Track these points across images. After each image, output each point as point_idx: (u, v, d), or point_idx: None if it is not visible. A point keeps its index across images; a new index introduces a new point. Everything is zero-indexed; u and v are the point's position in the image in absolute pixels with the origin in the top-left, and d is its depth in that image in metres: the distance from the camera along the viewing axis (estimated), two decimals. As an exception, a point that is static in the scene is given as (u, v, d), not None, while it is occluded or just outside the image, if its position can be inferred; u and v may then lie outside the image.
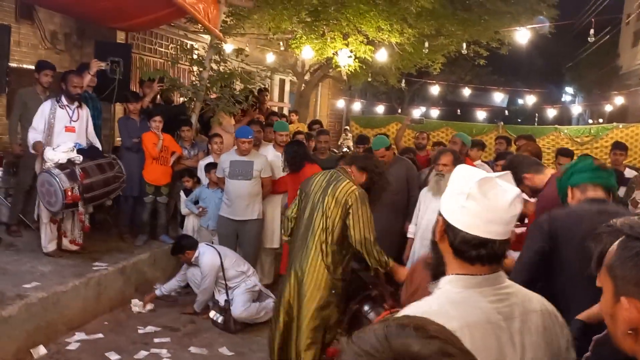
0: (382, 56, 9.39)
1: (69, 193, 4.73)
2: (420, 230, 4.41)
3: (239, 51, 7.47)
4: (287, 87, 15.13)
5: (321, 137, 6.30)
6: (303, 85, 12.48)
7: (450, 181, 1.37)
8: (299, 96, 12.63)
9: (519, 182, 3.53)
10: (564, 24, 11.59)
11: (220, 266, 4.89)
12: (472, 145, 6.06)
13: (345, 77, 11.83)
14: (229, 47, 7.97)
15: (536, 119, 17.77)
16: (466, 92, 16.01)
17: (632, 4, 15.90)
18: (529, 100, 15.78)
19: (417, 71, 13.59)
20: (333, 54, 9.51)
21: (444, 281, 1.35)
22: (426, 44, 9.71)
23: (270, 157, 5.62)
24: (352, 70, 9.65)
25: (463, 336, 1.18)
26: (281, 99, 14.87)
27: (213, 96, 6.71)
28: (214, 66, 6.65)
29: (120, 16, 6.13)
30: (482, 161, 6.31)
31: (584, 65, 18.14)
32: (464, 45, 10.34)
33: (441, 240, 1.36)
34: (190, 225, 5.97)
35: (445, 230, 1.34)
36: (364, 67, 10.38)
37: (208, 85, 6.48)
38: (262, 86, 8.74)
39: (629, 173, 6.02)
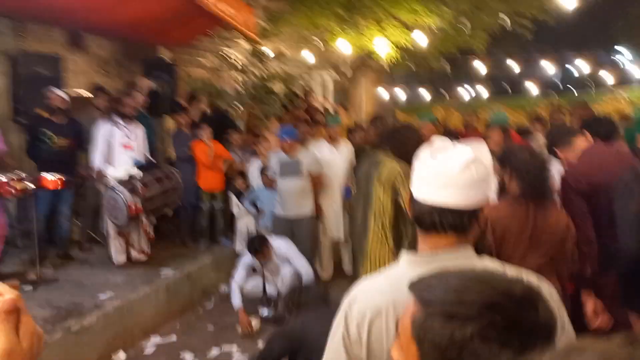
0: (422, 40, 9.26)
1: (132, 207, 5.02)
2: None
3: (279, 55, 7.62)
4: (330, 86, 15.19)
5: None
6: (346, 81, 12.50)
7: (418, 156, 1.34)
8: (343, 92, 12.67)
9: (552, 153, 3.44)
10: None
11: None
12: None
13: (387, 68, 11.73)
14: (267, 51, 8.14)
15: (592, 87, 16.95)
16: (514, 66, 15.49)
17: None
18: (582, 68, 15.11)
19: (460, 52, 13.26)
20: (372, 44, 9.48)
21: (402, 257, 1.34)
22: (467, 24, 9.49)
23: (325, 153, 5.73)
24: (394, 60, 9.59)
25: (387, 313, 1.22)
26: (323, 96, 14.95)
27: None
28: (256, 72, 6.83)
29: (161, 31, 6.35)
30: None
31: (635, 22, 17.03)
32: (508, 20, 9.99)
33: (411, 215, 1.35)
34: (244, 226, 6.16)
35: (411, 204, 1.34)
36: (405, 54, 10.27)
37: (252, 92, 6.65)
38: (306, 88, 8.86)
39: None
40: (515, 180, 2.60)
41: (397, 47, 9.34)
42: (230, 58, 8.07)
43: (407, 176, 3.38)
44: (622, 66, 16.96)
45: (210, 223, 6.27)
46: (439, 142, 1.31)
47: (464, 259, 1.28)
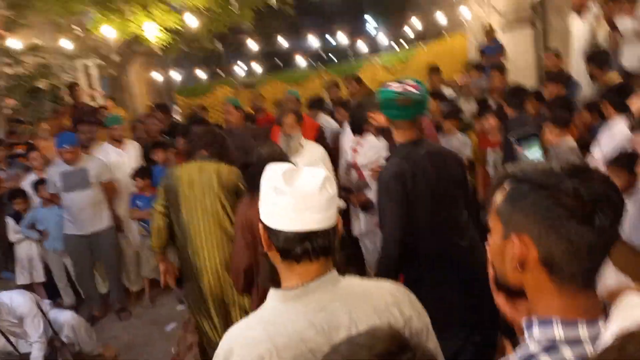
0: (192, 22, 8.94)
1: None
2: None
3: (33, 48, 6.55)
4: (94, 73, 13.80)
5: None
6: (114, 69, 11.48)
7: (261, 184, 1.28)
8: (112, 80, 11.63)
9: (364, 123, 3.64)
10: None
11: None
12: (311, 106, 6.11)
13: (158, 51, 11.11)
14: (17, 44, 6.91)
15: (352, 57, 18.63)
16: (283, 42, 16.16)
17: None
18: (341, 39, 16.46)
19: (230, 30, 13.28)
20: (140, 29, 8.82)
21: (270, 296, 1.28)
22: (235, 3, 9.46)
23: (112, 156, 5.16)
24: (165, 44, 9.09)
25: None
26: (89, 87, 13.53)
27: (11, 102, 5.85)
28: (8, 70, 5.77)
29: None
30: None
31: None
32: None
33: (269, 249, 1.27)
34: (24, 253, 5.28)
35: (268, 235, 1.26)
36: (176, 37, 9.83)
37: (7, 93, 5.62)
38: (72, 81, 7.84)
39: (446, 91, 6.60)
40: None
41: (167, 30, 8.86)
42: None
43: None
44: (373, 35, 19.00)
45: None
46: (282, 168, 1.25)
47: (332, 284, 1.26)
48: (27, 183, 5.33)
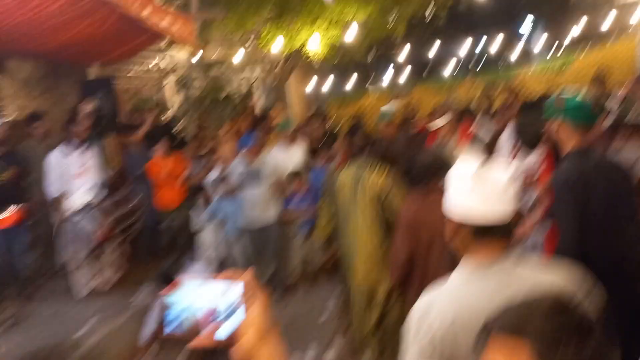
0: (351, 36, 9.48)
1: (93, 236, 4.84)
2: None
3: (219, 63, 7.51)
4: (256, 84, 15.05)
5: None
6: (275, 80, 12.47)
7: (450, 183, 1.52)
8: (273, 91, 12.62)
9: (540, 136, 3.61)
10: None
11: None
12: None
13: (315, 65, 11.85)
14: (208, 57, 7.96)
15: (499, 63, 17.96)
16: (430, 50, 16.19)
17: None
18: (492, 46, 16.06)
19: (381, 41, 13.64)
20: (301, 45, 9.56)
21: (455, 272, 1.52)
22: (391, 17, 9.81)
23: (281, 158, 5.77)
24: (325, 55, 9.74)
25: (462, 321, 1.38)
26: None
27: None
28: (196, 84, 6.71)
29: (99, 52, 6.12)
30: None
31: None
32: (427, 11, 10.42)
33: (456, 236, 1.52)
34: (207, 239, 6.07)
35: (458, 226, 1.50)
36: (333, 50, 10.45)
37: (199, 101, 6.55)
38: (244, 91, 8.79)
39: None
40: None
41: (328, 43, 9.49)
42: (169, 68, 7.84)
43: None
44: (527, 41, 18.11)
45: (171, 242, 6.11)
46: (473, 168, 1.47)
47: (509, 267, 1.46)
48: (210, 178, 6.14)
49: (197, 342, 0.94)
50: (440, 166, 2.79)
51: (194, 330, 0.96)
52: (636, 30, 10.98)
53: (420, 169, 2.95)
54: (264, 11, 8.80)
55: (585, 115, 2.52)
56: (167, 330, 0.97)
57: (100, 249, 5.04)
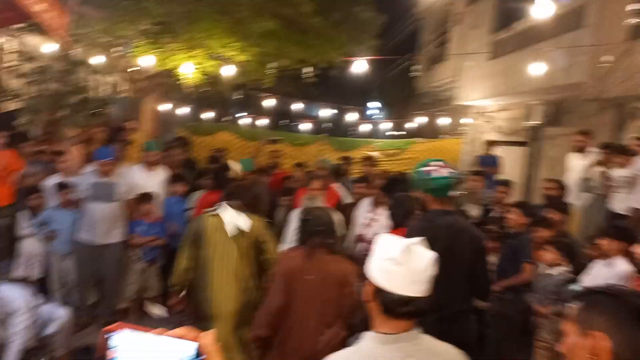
0: (228, 72, 9.54)
1: None
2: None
3: (83, 63, 6.94)
4: (114, 92, 14.13)
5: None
6: (134, 94, 11.86)
7: (376, 249, 1.64)
8: (129, 104, 11.96)
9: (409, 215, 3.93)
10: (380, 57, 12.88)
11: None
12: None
13: (184, 89, 11.60)
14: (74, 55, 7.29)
15: (353, 134, 19.48)
16: (295, 105, 16.88)
17: (426, 34, 18.52)
18: (350, 116, 17.30)
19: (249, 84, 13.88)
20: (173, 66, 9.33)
21: (366, 337, 1.61)
22: (271, 64, 10.11)
23: (139, 179, 5.45)
24: (195, 83, 9.61)
25: None
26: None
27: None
28: (53, 79, 6.11)
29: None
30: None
31: (390, 86, 20.40)
32: (305, 68, 10.95)
33: (371, 301, 1.61)
34: (28, 248, 5.39)
35: (375, 292, 1.60)
36: (203, 79, 10.35)
37: (54, 98, 5.96)
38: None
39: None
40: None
41: (202, 73, 9.40)
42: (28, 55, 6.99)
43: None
44: (375, 120, 20.06)
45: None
46: (401, 243, 1.60)
47: (417, 338, 1.61)
48: (49, 182, 5.53)
49: None
50: (327, 226, 2.93)
51: None
52: (463, 131, 12.93)
53: (308, 224, 3.05)
54: (141, 23, 8.46)
55: (444, 190, 2.89)
56: None
57: None
